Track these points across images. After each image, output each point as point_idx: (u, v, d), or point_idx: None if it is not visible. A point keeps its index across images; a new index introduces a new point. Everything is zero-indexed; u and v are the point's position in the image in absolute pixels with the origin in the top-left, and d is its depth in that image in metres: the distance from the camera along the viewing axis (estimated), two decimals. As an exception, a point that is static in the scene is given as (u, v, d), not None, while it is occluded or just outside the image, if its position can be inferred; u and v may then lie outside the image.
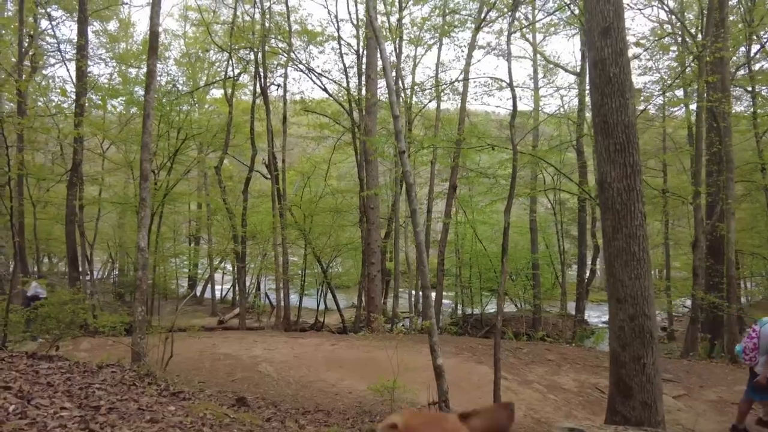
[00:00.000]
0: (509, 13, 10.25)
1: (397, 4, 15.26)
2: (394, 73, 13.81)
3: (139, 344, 5.01)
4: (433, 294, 13.28)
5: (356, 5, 15.28)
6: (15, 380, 2.86)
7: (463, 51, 17.25)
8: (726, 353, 9.80)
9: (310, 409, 5.78)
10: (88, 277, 16.59)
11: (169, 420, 2.92)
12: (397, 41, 15.27)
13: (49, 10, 15.52)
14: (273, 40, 15.52)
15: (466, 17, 14.81)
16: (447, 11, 14.82)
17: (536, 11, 14.25)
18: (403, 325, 14.91)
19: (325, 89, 15.14)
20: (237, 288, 17.12)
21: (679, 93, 16.74)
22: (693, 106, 15.55)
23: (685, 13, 16.47)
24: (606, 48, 3.86)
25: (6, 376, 2.93)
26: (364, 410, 6.10)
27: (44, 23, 16.01)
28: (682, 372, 8.37)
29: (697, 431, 5.56)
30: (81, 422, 2.42)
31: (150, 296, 13.63)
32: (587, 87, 16.27)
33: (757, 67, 14.93)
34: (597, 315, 20.93)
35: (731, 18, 13.58)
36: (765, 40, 13.82)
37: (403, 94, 15.40)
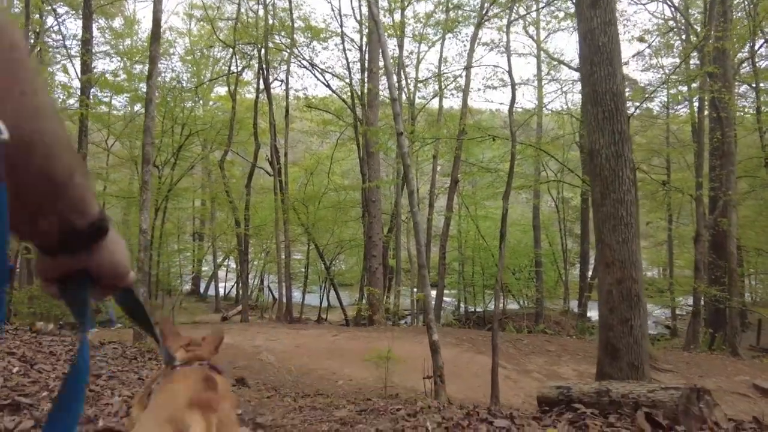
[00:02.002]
0: (510, 7, 10.29)
1: (400, 0, 15.32)
2: (396, 67, 13.87)
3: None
4: (435, 291, 13.32)
5: (359, 0, 15.36)
6: (19, 347, 2.93)
7: (465, 45, 17.28)
8: (727, 346, 9.78)
9: (309, 393, 5.83)
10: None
11: (169, 389, 2.97)
12: (400, 37, 15.32)
13: (54, 6, 15.65)
14: (276, 37, 15.62)
15: (470, 12, 14.85)
16: (450, 6, 14.85)
17: (539, 3, 14.25)
18: (405, 322, 14.95)
19: (327, 85, 15.24)
20: (240, 282, 17.20)
21: (684, 89, 16.70)
22: (696, 102, 15.55)
23: (690, 10, 16.44)
24: (595, 18, 3.90)
25: (11, 344, 3.00)
26: (364, 396, 6.15)
27: (50, 20, 16.15)
28: (682, 363, 8.37)
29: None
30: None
31: (153, 293, 13.73)
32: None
33: (761, 63, 14.90)
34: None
35: (737, 14, 13.56)
36: (769, 35, 13.77)
37: (405, 90, 15.44)
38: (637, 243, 3.84)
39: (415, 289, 16.26)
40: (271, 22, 14.77)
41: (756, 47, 13.87)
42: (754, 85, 14.70)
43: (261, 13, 15.19)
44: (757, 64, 14.21)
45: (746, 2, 13.24)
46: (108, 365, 3.24)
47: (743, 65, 14.88)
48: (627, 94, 9.25)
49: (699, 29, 13.56)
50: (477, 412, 2.77)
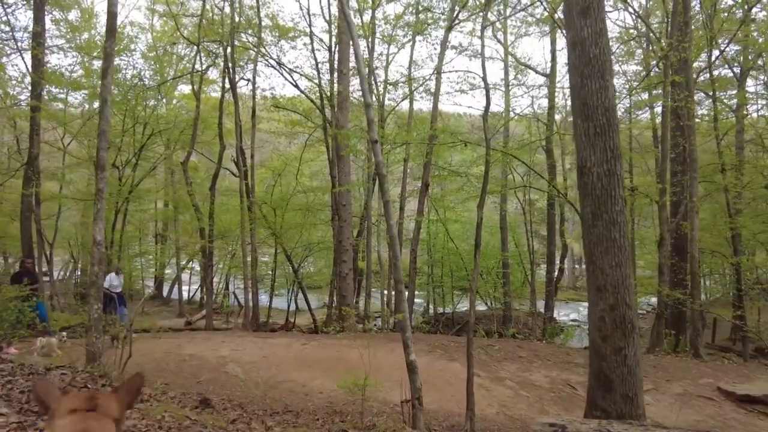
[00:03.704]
0: (481, 12, 10.28)
1: (370, 1, 15.14)
2: (367, 69, 13.69)
3: (94, 344, 4.70)
4: (406, 292, 13.21)
5: (328, 0, 15.11)
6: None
7: (435, 49, 17.30)
8: (689, 347, 10.05)
9: (278, 410, 5.59)
10: (47, 278, 15.82)
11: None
12: (370, 38, 15.15)
13: (3, -4, 14.69)
14: (243, 35, 15.17)
15: (439, 15, 14.82)
16: (420, 9, 14.79)
17: (508, 9, 14.36)
18: (375, 325, 14.79)
19: (296, 85, 14.91)
20: (204, 288, 16.65)
21: (645, 96, 17.20)
22: (658, 109, 16.01)
23: (650, 19, 16.95)
24: (586, 28, 3.78)
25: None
26: (335, 410, 5.94)
27: (-1, 10, 15.14)
28: (649, 367, 8.52)
29: (666, 424, 5.63)
30: (18, 429, 2.19)
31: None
32: (557, 88, 16.62)
33: (716, 72, 15.46)
34: (565, 313, 21.27)
35: (692, 27, 14.03)
36: (723, 47, 14.30)
37: (375, 91, 15.27)
38: (631, 266, 3.72)
39: (385, 292, 16.13)
40: (237, 19, 14.33)
41: (712, 58, 14.38)
42: (711, 93, 15.25)
43: (227, 10, 14.73)
44: (713, 74, 14.73)
45: (702, 15, 13.72)
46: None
47: (700, 74, 15.42)
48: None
49: (659, 38, 13.96)
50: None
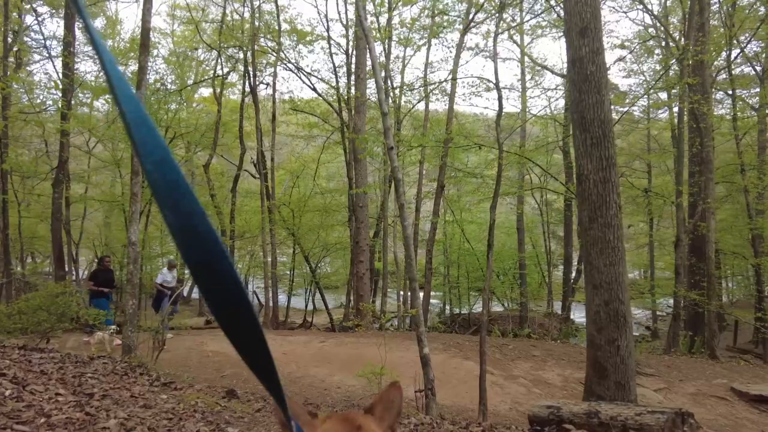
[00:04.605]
0: (496, 15, 10.42)
1: (386, 4, 15.37)
2: (383, 73, 13.92)
3: (130, 337, 5.04)
4: (421, 293, 13.41)
5: (345, 5, 15.39)
6: (9, 368, 2.89)
7: (451, 51, 17.44)
8: (706, 349, 10.05)
9: (299, 403, 5.84)
10: (73, 277, 16.41)
11: (162, 406, 2.98)
12: (387, 42, 15.38)
13: (34, 5, 15.33)
14: (262, 39, 15.54)
15: (455, 18, 14.97)
16: (436, 12, 14.97)
17: (523, 13, 14.45)
18: (391, 324, 15.02)
19: (314, 89, 15.23)
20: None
21: (663, 96, 17.09)
22: (677, 108, 15.90)
23: (669, 18, 16.83)
24: (584, 47, 4.01)
25: (0, 363, 2.95)
26: (352, 404, 6.18)
27: (29, 19, 15.81)
28: (663, 367, 8.58)
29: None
30: (77, 406, 2.47)
31: (137, 295, 13.56)
32: (573, 89, 16.61)
33: (737, 71, 15.30)
34: (583, 315, 21.14)
35: (713, 23, 13.91)
36: (744, 45, 14.17)
37: (392, 94, 15.50)
38: (624, 265, 3.97)
39: (401, 292, 16.33)
40: (257, 24, 14.70)
41: (732, 56, 14.25)
42: (730, 93, 15.10)
43: (246, 15, 15.11)
44: (733, 73, 14.59)
45: (722, 13, 13.61)
46: (99, 383, 3.22)
47: (720, 73, 15.27)
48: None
49: (678, 37, 13.89)
50: (472, 431, 2.82)
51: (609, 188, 4.00)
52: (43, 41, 15.00)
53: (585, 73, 4.03)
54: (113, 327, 7.91)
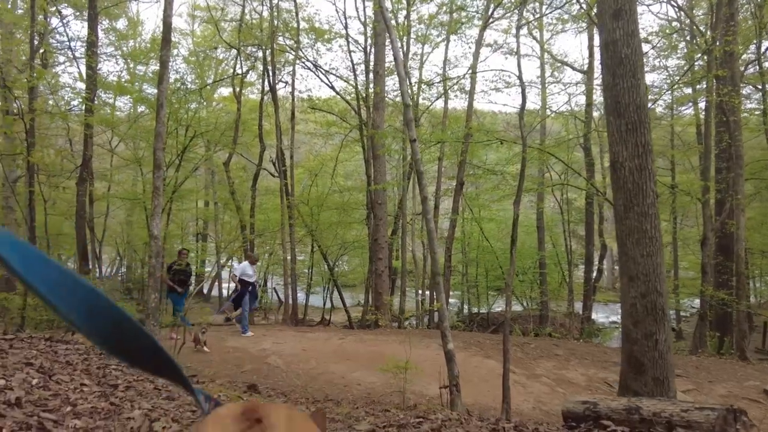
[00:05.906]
0: (516, 10, 10.27)
1: (404, 1, 15.29)
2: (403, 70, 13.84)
3: (153, 330, 5.07)
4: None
5: (363, 2, 15.34)
6: (36, 357, 2.92)
7: (470, 47, 17.28)
8: (735, 350, 9.74)
9: (319, 398, 5.81)
10: (96, 274, 16.73)
11: (185, 399, 2.96)
12: (405, 38, 15.30)
13: (59, 7, 15.65)
14: (281, 38, 15.60)
15: (474, 14, 14.82)
16: (454, 8, 14.83)
17: (544, 6, 14.22)
18: (409, 323, 14.94)
19: (332, 87, 15.22)
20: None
21: (688, 91, 16.65)
22: (702, 104, 15.48)
23: (694, 10, 16.39)
24: (618, 29, 3.88)
25: (27, 353, 2.98)
26: (373, 400, 6.13)
27: (54, 21, 16.15)
28: (691, 368, 8.34)
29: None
30: (101, 396, 2.47)
31: (158, 291, 13.75)
32: (594, 85, 16.31)
33: (767, 64, 14.82)
34: (604, 315, 20.81)
35: (741, 15, 13.48)
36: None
37: (410, 91, 15.41)
38: (662, 256, 3.82)
39: (419, 291, 16.24)
40: (275, 23, 14.76)
41: (762, 49, 13.80)
42: (760, 87, 14.63)
43: (265, 14, 15.18)
44: (763, 66, 14.13)
45: (751, 4, 13.18)
46: (123, 374, 3.23)
47: (749, 67, 14.81)
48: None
49: (704, 30, 13.50)
50: (503, 427, 2.75)
51: (645, 176, 3.87)
52: (67, 42, 15.27)
53: (619, 57, 3.91)
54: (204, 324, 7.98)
